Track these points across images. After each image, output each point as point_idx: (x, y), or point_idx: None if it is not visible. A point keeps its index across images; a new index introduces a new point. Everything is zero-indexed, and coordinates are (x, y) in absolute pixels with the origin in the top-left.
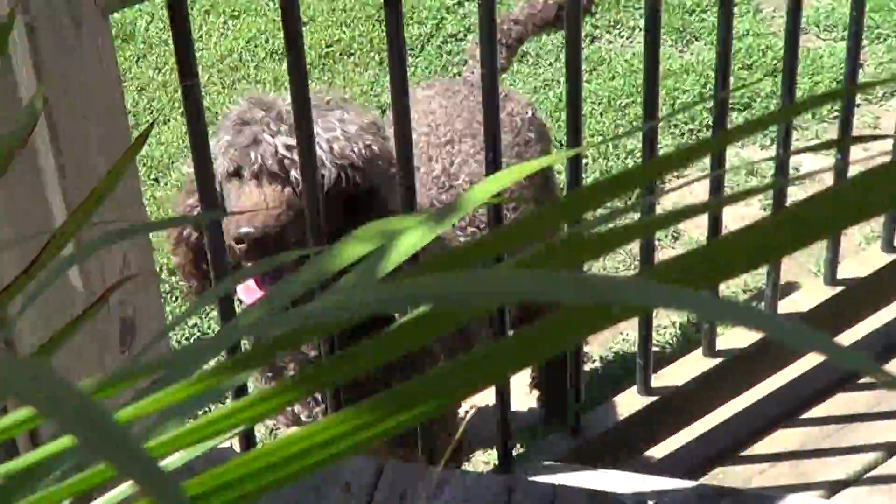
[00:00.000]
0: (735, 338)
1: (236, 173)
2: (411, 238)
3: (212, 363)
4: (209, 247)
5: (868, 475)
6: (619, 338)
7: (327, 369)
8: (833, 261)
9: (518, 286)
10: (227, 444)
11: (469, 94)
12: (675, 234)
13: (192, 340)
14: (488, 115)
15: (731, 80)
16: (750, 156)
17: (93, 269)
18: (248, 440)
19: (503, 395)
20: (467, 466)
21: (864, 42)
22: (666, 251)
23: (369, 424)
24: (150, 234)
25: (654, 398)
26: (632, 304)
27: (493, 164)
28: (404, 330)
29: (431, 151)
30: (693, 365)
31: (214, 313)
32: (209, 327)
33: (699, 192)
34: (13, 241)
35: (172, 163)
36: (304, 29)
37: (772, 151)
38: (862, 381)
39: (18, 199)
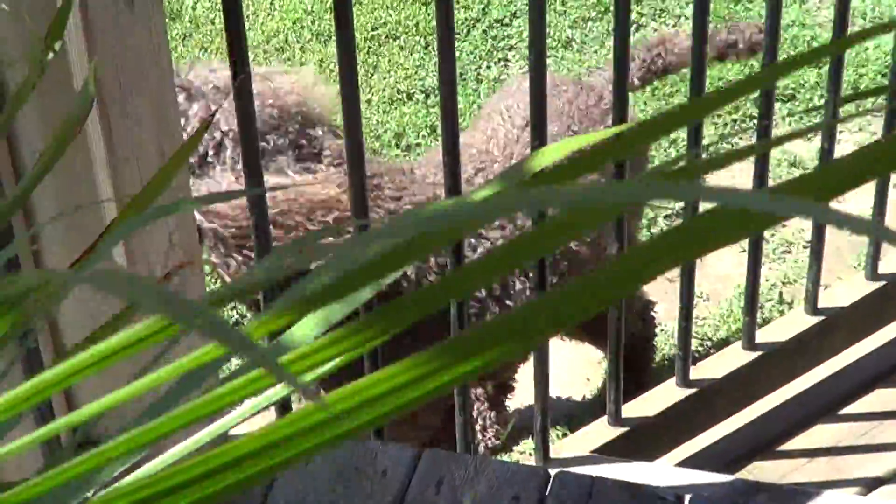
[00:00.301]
0: (774, 332)
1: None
2: (482, 194)
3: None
4: (253, 223)
5: None
6: (658, 328)
7: (417, 299)
8: (875, 256)
9: (642, 191)
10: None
11: (575, 96)
12: None
13: (232, 322)
14: (535, 102)
15: None
16: (793, 148)
17: (138, 249)
18: (284, 409)
19: (543, 385)
20: (504, 456)
21: None
22: None
23: (425, 377)
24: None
25: (692, 390)
26: (761, 212)
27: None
28: (504, 251)
29: (517, 148)
30: (732, 358)
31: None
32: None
33: (743, 182)
34: (57, 218)
35: None
36: None
37: (815, 143)
38: None
39: (66, 178)
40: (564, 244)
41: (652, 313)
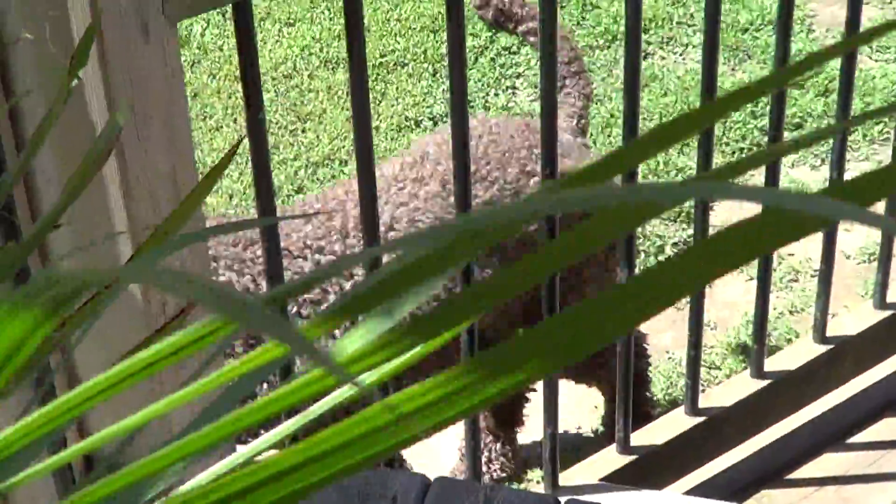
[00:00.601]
0: (782, 360)
1: None
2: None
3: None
4: (265, 252)
5: None
6: (665, 356)
7: (471, 296)
8: (883, 284)
9: (690, 191)
10: None
11: (489, 140)
12: None
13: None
14: (546, 127)
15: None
16: (800, 176)
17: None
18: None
19: (552, 413)
20: (512, 484)
21: None
22: None
23: (479, 383)
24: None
25: (700, 419)
26: (818, 216)
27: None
28: (556, 247)
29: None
30: (740, 386)
31: None
32: None
33: (751, 211)
34: (74, 251)
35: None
36: None
37: (822, 172)
38: None
39: (80, 207)
40: (595, 250)
41: (644, 345)
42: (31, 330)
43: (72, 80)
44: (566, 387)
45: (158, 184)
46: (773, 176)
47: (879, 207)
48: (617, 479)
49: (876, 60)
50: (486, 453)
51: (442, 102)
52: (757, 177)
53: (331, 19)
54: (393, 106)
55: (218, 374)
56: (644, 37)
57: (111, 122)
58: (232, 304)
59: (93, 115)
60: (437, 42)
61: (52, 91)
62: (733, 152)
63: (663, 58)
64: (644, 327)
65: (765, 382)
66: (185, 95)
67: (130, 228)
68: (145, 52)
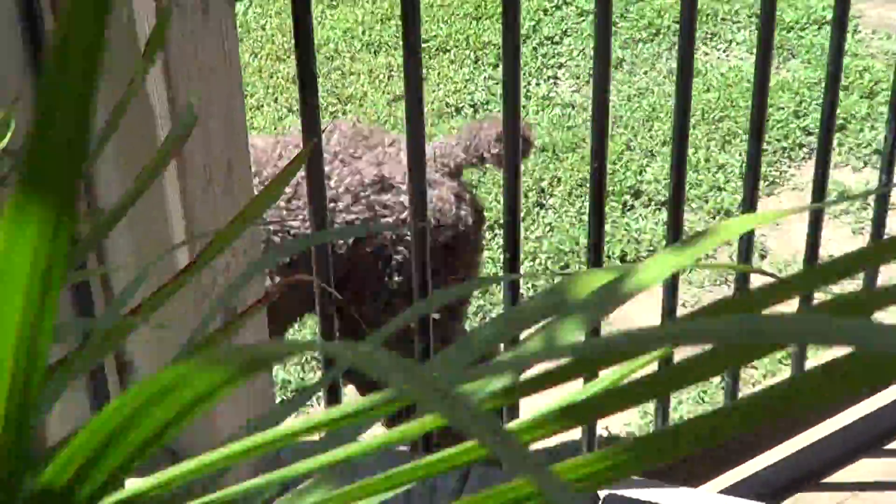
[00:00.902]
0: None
1: None
2: (662, 261)
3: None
4: (315, 265)
5: None
6: None
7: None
8: None
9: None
10: None
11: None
12: (761, 253)
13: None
14: (597, 116)
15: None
16: (843, 178)
17: (203, 279)
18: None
19: None
20: None
21: None
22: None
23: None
24: None
25: None
26: None
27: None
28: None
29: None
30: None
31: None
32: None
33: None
34: (136, 250)
35: None
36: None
37: (865, 174)
38: None
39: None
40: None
41: None
42: (210, 391)
43: (148, 64)
44: None
45: (215, 170)
46: (821, 179)
47: None
48: (653, 476)
49: None
50: None
51: (483, 90)
52: (800, 176)
53: (374, 2)
54: (434, 92)
55: (413, 466)
56: None
57: (189, 107)
58: (444, 399)
59: (155, 103)
60: (479, 29)
61: (113, 81)
62: (774, 151)
63: (706, 53)
64: None
65: None
66: (241, 78)
67: (187, 229)
68: (204, 32)
